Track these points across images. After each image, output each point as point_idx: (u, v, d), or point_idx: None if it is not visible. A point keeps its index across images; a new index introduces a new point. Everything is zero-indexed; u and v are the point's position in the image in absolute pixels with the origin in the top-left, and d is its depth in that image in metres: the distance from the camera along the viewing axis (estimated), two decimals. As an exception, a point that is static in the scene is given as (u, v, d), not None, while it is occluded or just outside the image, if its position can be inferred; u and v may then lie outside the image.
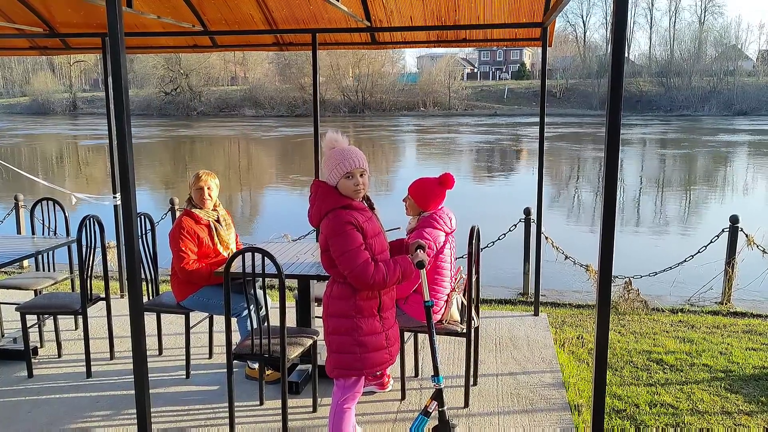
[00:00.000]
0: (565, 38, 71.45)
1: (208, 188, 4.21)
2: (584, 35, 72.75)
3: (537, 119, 5.41)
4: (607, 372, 4.47)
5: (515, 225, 6.84)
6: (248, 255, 3.39)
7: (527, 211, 6.62)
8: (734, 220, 6.25)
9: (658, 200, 15.22)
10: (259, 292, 4.11)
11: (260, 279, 3.50)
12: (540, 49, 5.43)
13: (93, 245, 4.33)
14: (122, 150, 2.65)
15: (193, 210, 4.19)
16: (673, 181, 18.78)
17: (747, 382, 4.27)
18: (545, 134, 5.34)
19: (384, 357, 2.95)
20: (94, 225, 4.37)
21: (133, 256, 2.75)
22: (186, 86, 63.82)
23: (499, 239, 6.92)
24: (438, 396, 2.99)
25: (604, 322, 2.64)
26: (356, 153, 2.88)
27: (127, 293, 2.83)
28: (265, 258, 3.34)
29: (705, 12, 70.80)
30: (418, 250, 3.05)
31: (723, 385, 4.22)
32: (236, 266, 3.50)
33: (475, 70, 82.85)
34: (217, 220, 4.29)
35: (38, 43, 6.52)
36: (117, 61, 2.56)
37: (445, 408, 3.00)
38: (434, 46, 6.06)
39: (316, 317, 4.62)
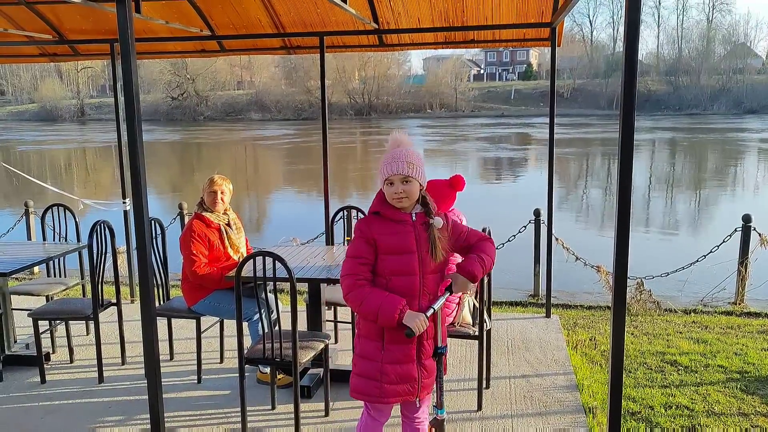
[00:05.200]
0: (572, 38, 71.23)
1: (222, 192, 4.23)
2: (591, 35, 72.48)
3: (544, 119, 5.39)
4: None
5: (525, 226, 6.80)
6: (259, 259, 3.38)
7: (537, 213, 6.58)
8: (747, 219, 6.20)
9: (668, 200, 15.13)
10: (270, 296, 4.10)
11: (270, 283, 3.49)
12: (547, 50, 5.41)
13: (104, 251, 4.34)
14: (134, 155, 2.65)
15: (203, 213, 4.20)
16: (684, 180, 18.67)
17: (763, 383, 4.22)
18: (555, 135, 5.30)
19: (405, 389, 2.62)
20: (104, 230, 4.38)
21: (145, 262, 2.75)
22: (193, 91, 64.04)
23: (509, 241, 6.88)
24: (439, 425, 2.81)
25: (620, 325, 2.61)
26: (400, 157, 2.59)
27: (138, 298, 2.83)
28: (276, 262, 3.33)
29: (713, 10, 70.57)
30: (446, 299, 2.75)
31: (739, 386, 4.17)
32: (247, 270, 3.50)
33: (482, 72, 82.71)
34: (228, 224, 4.30)
35: (47, 50, 6.56)
36: (128, 66, 2.57)
37: None
38: (442, 47, 6.04)
39: (327, 321, 4.61)
